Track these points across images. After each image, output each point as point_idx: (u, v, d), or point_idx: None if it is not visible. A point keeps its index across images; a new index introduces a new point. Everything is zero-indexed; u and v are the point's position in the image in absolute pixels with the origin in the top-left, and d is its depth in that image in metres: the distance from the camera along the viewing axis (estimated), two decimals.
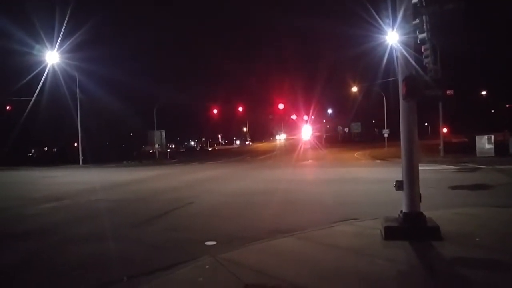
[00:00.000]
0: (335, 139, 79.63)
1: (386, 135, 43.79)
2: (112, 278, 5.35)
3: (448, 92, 6.14)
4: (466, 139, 34.44)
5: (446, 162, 23.80)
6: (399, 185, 6.29)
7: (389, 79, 29.31)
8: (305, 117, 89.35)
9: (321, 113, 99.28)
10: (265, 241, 6.42)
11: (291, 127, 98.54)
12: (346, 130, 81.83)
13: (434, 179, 14.59)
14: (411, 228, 6.08)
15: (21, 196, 14.58)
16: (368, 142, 54.14)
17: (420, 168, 6.35)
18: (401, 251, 5.58)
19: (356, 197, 11.57)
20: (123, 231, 8.17)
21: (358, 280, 4.59)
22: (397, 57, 6.48)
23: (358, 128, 77.13)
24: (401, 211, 6.28)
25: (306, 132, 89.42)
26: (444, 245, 5.74)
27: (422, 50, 6.17)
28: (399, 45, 6.39)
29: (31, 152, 44.47)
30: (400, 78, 6.38)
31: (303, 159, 34.69)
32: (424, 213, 6.20)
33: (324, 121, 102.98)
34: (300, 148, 58.57)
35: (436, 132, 33.25)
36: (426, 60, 6.15)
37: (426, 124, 66.25)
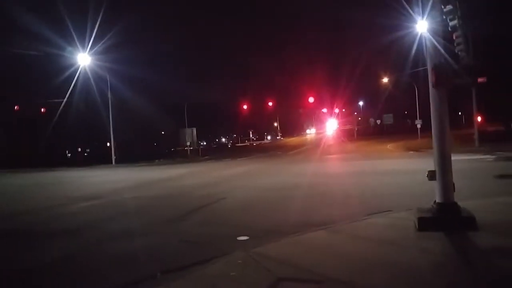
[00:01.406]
0: (367, 131, 78.38)
1: (419, 126, 42.76)
2: (146, 273, 5.48)
3: (481, 79, 5.98)
4: (503, 128, 33.22)
5: (482, 152, 23.01)
6: (431, 175, 6.19)
7: (420, 69, 28.53)
8: (336, 110, 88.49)
9: (352, 105, 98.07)
10: (297, 235, 6.43)
11: (322, 121, 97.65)
12: (378, 122, 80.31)
13: (469, 168, 14.16)
14: (445, 218, 5.98)
15: (61, 196, 15.09)
16: (400, 133, 52.97)
17: (454, 158, 6.22)
18: (436, 242, 5.50)
19: (389, 189, 11.40)
20: (157, 227, 8.37)
21: (393, 272, 4.54)
22: (426, 45, 6.34)
23: (390, 120, 75.46)
24: (435, 201, 6.17)
25: (332, 125, 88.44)
26: (480, 236, 5.62)
27: (454, 37, 6.01)
28: (428, 33, 6.25)
29: (66, 154, 45.81)
30: (429, 67, 6.24)
31: (335, 153, 34.35)
32: (459, 203, 6.07)
33: (355, 113, 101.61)
34: (331, 141, 58.07)
35: (471, 121, 32.08)
36: (457, 48, 5.99)
37: (460, 113, 64.02)
